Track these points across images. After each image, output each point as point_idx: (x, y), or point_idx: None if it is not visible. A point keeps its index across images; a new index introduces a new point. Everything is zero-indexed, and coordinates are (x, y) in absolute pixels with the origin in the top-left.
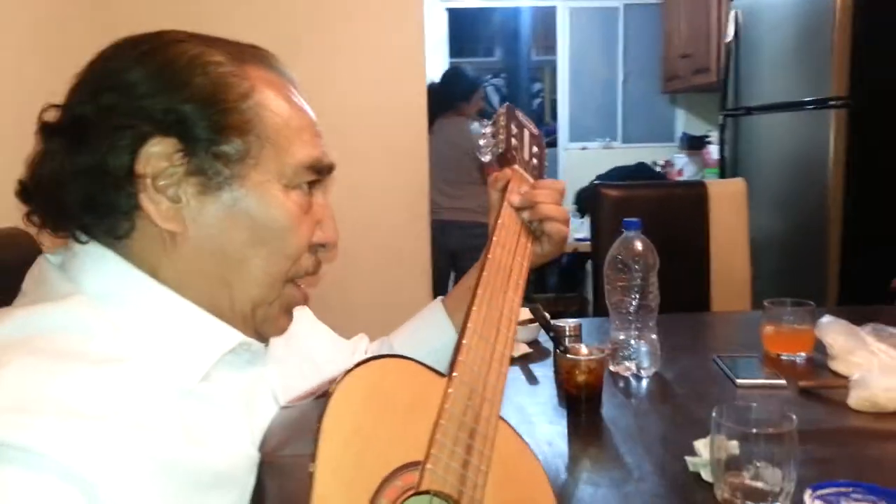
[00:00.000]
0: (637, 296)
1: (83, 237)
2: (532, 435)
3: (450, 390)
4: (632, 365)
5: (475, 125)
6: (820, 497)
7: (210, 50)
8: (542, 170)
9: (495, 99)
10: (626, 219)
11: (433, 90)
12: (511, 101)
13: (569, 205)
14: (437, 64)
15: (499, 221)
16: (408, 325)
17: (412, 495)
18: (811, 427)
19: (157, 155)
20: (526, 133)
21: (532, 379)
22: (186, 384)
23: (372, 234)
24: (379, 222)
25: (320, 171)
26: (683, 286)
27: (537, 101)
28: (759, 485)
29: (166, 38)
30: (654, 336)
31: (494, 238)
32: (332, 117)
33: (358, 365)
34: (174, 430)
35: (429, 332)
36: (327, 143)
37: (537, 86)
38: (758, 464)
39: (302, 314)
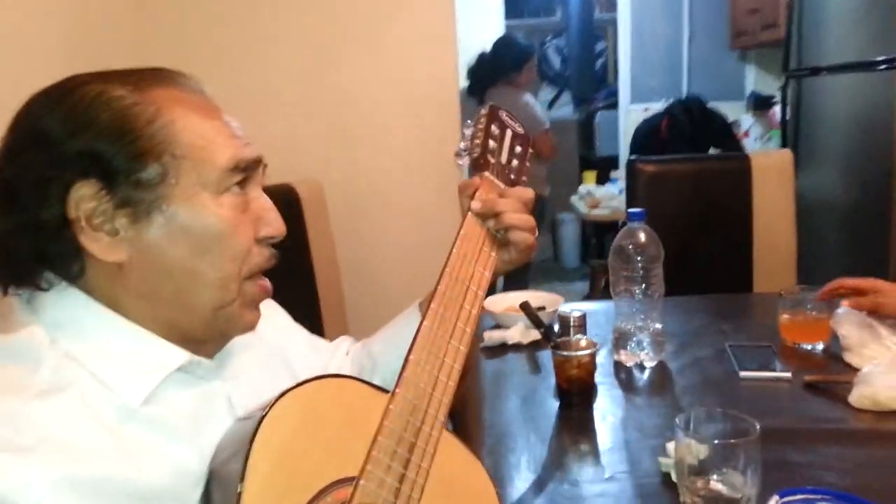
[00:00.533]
0: (641, 286)
1: (44, 285)
2: (522, 425)
3: (391, 406)
4: (635, 355)
5: (527, 96)
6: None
7: (111, 85)
8: (523, 172)
9: (556, 61)
10: (630, 209)
11: (483, 60)
12: (573, 62)
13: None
14: (493, 26)
15: (461, 232)
16: (386, 328)
17: None
18: (804, 425)
19: (84, 197)
20: (508, 134)
21: (535, 368)
22: (128, 407)
23: (400, 217)
24: (408, 204)
25: (245, 169)
26: (723, 264)
27: (600, 61)
28: (723, 490)
29: (70, 84)
30: (658, 325)
31: (454, 249)
32: (360, 95)
33: (290, 390)
34: (108, 453)
35: (404, 335)
36: (354, 121)
37: (600, 45)
38: (722, 470)
39: (277, 318)
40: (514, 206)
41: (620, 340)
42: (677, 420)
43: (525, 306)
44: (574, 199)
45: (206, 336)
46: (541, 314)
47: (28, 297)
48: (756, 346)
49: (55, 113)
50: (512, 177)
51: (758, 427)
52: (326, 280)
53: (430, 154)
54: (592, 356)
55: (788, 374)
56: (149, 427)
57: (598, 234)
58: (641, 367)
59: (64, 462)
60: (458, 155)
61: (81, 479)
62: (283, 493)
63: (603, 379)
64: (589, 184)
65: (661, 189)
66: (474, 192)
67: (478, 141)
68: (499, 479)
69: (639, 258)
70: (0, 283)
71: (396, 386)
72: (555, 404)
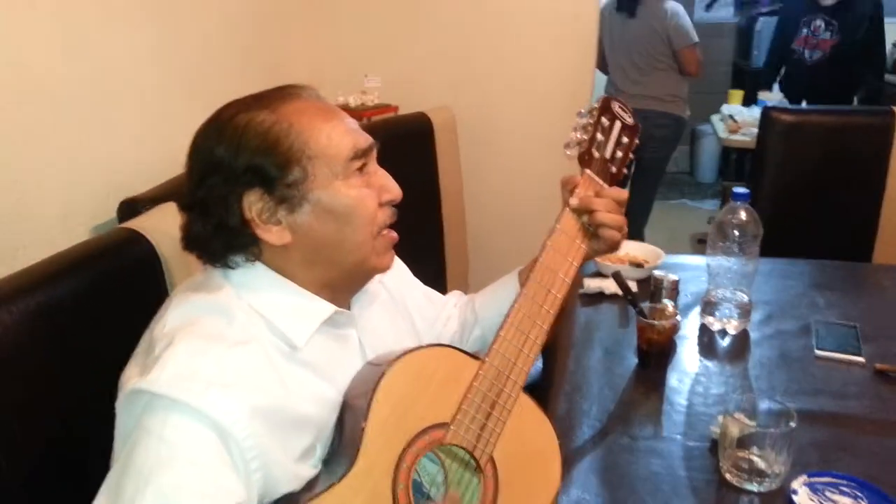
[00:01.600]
0: (736, 260)
1: (232, 265)
2: (599, 375)
3: (480, 372)
4: (720, 321)
5: (672, 4)
6: (808, 484)
7: (253, 112)
8: (624, 164)
9: None
10: (735, 189)
11: None
12: None
13: None
14: None
15: (557, 226)
16: (488, 289)
17: (437, 446)
18: (856, 411)
19: (253, 202)
20: (617, 126)
21: (625, 322)
22: (290, 350)
23: (528, 152)
24: (537, 140)
25: (363, 154)
26: (845, 229)
27: None
28: (759, 463)
29: (224, 117)
30: (746, 297)
31: (549, 242)
32: (499, 26)
33: (407, 353)
34: (277, 389)
35: (501, 299)
36: (490, 52)
37: None
38: (761, 447)
39: (401, 274)
40: (608, 205)
41: (709, 305)
42: (724, 406)
43: (616, 276)
44: (714, 118)
45: (350, 285)
46: (638, 271)
47: (223, 270)
48: (842, 325)
49: (221, 144)
50: (613, 170)
51: (795, 417)
52: (451, 202)
53: (564, 92)
54: (673, 326)
55: (862, 359)
56: (302, 367)
57: (740, 153)
58: (724, 333)
59: (252, 395)
60: (566, 146)
61: (262, 408)
62: (395, 429)
63: (685, 340)
64: (734, 104)
65: (794, 140)
66: (573, 189)
67: (585, 137)
68: (568, 424)
69: (737, 235)
70: (204, 261)
71: (486, 355)
72: (633, 361)
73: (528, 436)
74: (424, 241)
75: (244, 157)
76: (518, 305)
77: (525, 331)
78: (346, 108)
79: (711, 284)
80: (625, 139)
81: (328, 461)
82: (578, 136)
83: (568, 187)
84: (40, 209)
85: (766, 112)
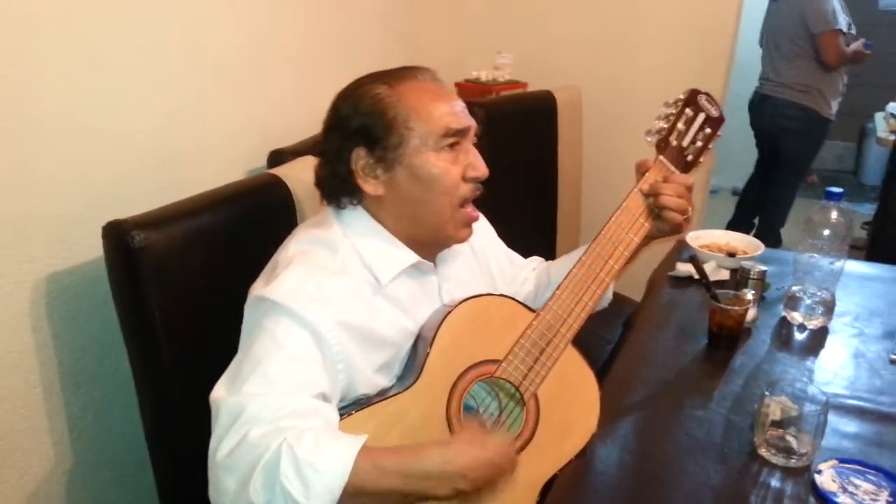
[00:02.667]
0: (823, 258)
1: (343, 204)
2: (668, 350)
3: (534, 322)
4: (800, 315)
5: None
6: (835, 468)
7: (377, 84)
8: (702, 152)
9: None
10: (829, 188)
11: None
12: None
13: None
14: None
15: (623, 203)
16: (565, 256)
17: (488, 377)
18: None
19: (359, 157)
20: (700, 117)
21: (706, 306)
22: (379, 285)
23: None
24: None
25: (456, 133)
26: None
27: None
28: (791, 443)
29: (356, 85)
30: (829, 294)
31: (613, 217)
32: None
33: (471, 298)
34: (363, 312)
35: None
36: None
37: None
38: (795, 428)
39: (487, 233)
40: (676, 190)
41: (792, 300)
42: (766, 383)
43: (693, 260)
44: (878, 115)
45: (432, 244)
46: (730, 260)
47: (335, 209)
48: None
49: (346, 104)
50: (689, 158)
51: (827, 402)
52: (569, 178)
53: (695, 74)
54: (742, 314)
55: None
56: (388, 299)
57: None
58: (803, 327)
59: (341, 312)
60: (647, 133)
61: (350, 324)
62: (454, 358)
63: (763, 329)
64: None
65: None
66: (645, 172)
67: (665, 125)
68: (624, 385)
69: (826, 235)
70: (323, 199)
71: (541, 310)
72: (704, 342)
73: (572, 383)
74: (539, 213)
75: (358, 119)
76: (576, 270)
77: (579, 293)
78: (476, 83)
79: (797, 280)
80: (707, 130)
81: (402, 377)
82: (660, 124)
83: (640, 171)
84: (209, 153)
85: None
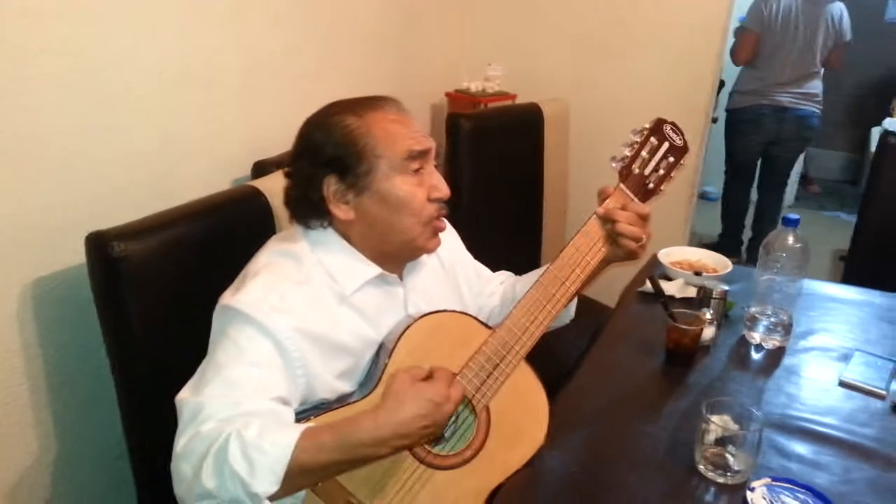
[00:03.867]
0: (781, 280)
1: (312, 225)
2: (622, 363)
3: (489, 339)
4: (758, 335)
5: (837, 6)
6: (768, 486)
7: (346, 115)
8: (664, 181)
9: None
10: (787, 215)
11: None
12: None
13: None
14: None
15: (583, 228)
16: (532, 273)
17: None
18: (848, 436)
19: (330, 184)
20: (665, 146)
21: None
22: (343, 295)
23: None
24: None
25: (418, 156)
26: None
27: None
28: (729, 461)
29: (326, 114)
30: (785, 317)
31: (572, 241)
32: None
33: (430, 313)
34: (325, 320)
35: None
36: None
37: None
38: (734, 446)
39: (454, 245)
40: (630, 218)
41: (751, 319)
42: (705, 404)
43: (652, 279)
44: (874, 130)
45: (399, 258)
46: (695, 278)
47: (303, 227)
48: (883, 358)
49: (318, 133)
50: (650, 186)
51: (761, 420)
52: (554, 190)
53: (682, 100)
54: (697, 333)
55: (883, 392)
56: (351, 309)
57: None
58: (760, 347)
59: (302, 321)
60: (612, 159)
61: (310, 332)
62: None
63: (720, 348)
64: None
65: None
66: (605, 199)
67: (629, 153)
68: (577, 397)
69: (783, 257)
70: (292, 219)
71: (497, 327)
72: (663, 358)
73: (523, 396)
74: (523, 224)
75: (330, 148)
76: (532, 291)
77: (534, 313)
78: (466, 93)
79: (758, 301)
80: (670, 158)
81: (363, 384)
82: (624, 151)
83: (601, 196)
84: (195, 163)
85: (884, 139)
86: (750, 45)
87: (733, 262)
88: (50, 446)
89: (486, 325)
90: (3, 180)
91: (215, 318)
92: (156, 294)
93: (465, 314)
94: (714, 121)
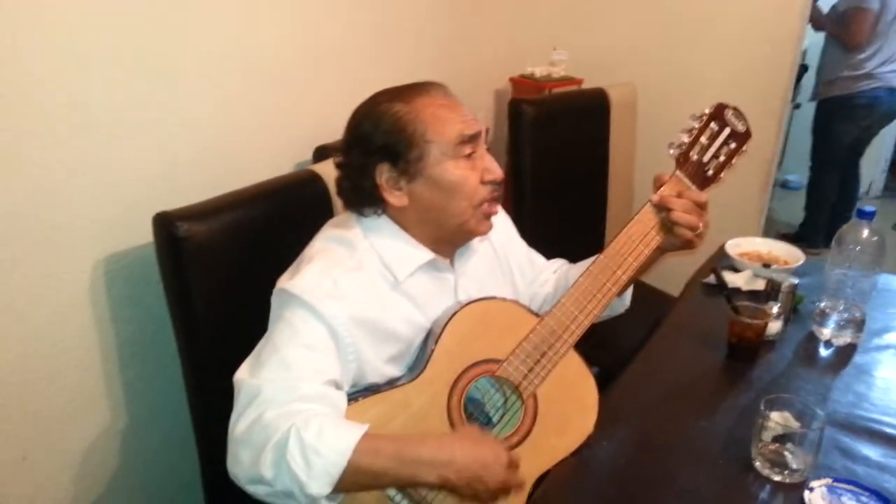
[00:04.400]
0: (854, 275)
1: (366, 213)
2: (686, 354)
3: (537, 327)
4: (827, 331)
5: None
6: (829, 487)
7: (394, 103)
8: (724, 168)
9: None
10: (861, 207)
11: None
12: None
13: None
14: None
15: (636, 216)
16: (586, 261)
17: (488, 375)
18: None
19: (383, 172)
20: (725, 132)
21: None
22: (395, 282)
23: None
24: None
25: (470, 140)
26: None
27: None
28: (787, 458)
29: (374, 102)
30: (857, 314)
31: (625, 229)
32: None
33: (479, 300)
34: (377, 307)
35: None
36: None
37: None
38: (794, 443)
39: (508, 231)
40: (686, 206)
41: (821, 315)
42: (764, 400)
43: (715, 270)
44: None
45: (452, 242)
46: (765, 270)
47: (356, 214)
48: None
49: (367, 122)
50: (709, 173)
51: (822, 419)
52: (619, 178)
53: (755, 89)
54: (761, 327)
55: None
56: (403, 295)
57: None
58: (829, 344)
59: (354, 307)
60: (669, 146)
61: (361, 318)
62: (457, 355)
63: (787, 342)
64: None
65: None
66: (660, 186)
67: (687, 139)
68: (633, 386)
69: (857, 251)
70: (346, 207)
71: (545, 316)
72: (725, 352)
73: (571, 385)
74: (587, 212)
75: (380, 136)
76: (582, 280)
77: (583, 302)
78: (530, 79)
79: (829, 296)
80: (732, 144)
81: (412, 368)
82: (683, 137)
83: (657, 184)
84: (259, 147)
85: None
86: (869, 24)
87: (813, 255)
88: (120, 415)
89: (534, 313)
90: (77, 158)
91: (273, 300)
92: (217, 274)
93: (513, 301)
94: (797, 107)
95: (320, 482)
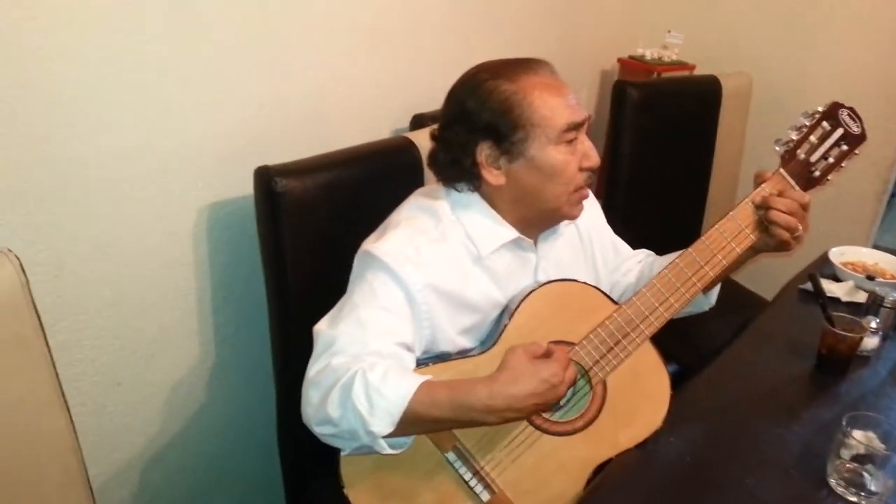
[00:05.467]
0: None
1: (459, 188)
2: (771, 361)
3: (614, 315)
4: None
5: None
6: None
7: (499, 80)
8: (832, 170)
9: None
10: None
11: None
12: None
13: None
14: None
15: (731, 213)
16: (672, 255)
17: None
18: None
19: (483, 150)
20: (838, 132)
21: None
22: (478, 256)
23: None
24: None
25: (575, 128)
26: None
27: None
28: (864, 479)
29: (477, 80)
30: None
31: (717, 225)
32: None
33: (557, 280)
34: (457, 278)
35: None
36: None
37: None
38: (875, 465)
39: (596, 217)
40: (789, 206)
41: None
42: (847, 416)
43: (812, 277)
44: None
45: (541, 224)
46: (867, 283)
47: (447, 188)
48: None
49: (472, 100)
50: (816, 174)
51: None
52: (724, 172)
53: (876, 87)
54: (855, 340)
55: None
56: (484, 270)
57: None
58: None
59: (433, 276)
60: (776, 142)
61: (439, 288)
62: (531, 332)
63: (884, 361)
64: None
65: None
66: (761, 183)
67: (795, 137)
68: (713, 386)
69: None
70: (440, 180)
71: (624, 304)
72: (813, 363)
73: (644, 378)
74: (684, 206)
75: (486, 115)
76: (667, 271)
77: (665, 294)
78: (640, 60)
79: None
80: (843, 147)
81: (484, 342)
82: (791, 135)
83: (758, 181)
84: (357, 112)
85: None
86: None
87: None
88: (208, 354)
89: (613, 300)
90: (186, 108)
91: (357, 260)
92: (309, 229)
93: (593, 286)
94: None
95: (382, 421)
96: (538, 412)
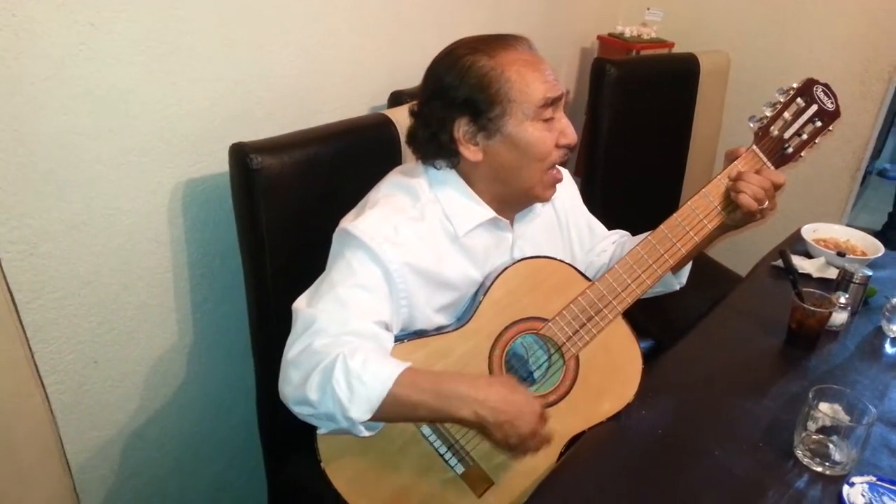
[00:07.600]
0: None
1: (437, 166)
2: (742, 335)
3: (587, 291)
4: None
5: None
6: (869, 484)
7: (478, 55)
8: (805, 146)
9: None
10: None
11: None
12: None
13: None
14: None
15: (703, 189)
16: (641, 236)
17: (532, 333)
18: None
19: (461, 125)
20: (812, 109)
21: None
22: (454, 235)
23: None
24: None
25: (552, 103)
26: None
27: None
28: (830, 450)
29: (456, 55)
30: None
31: (689, 201)
32: None
33: (531, 257)
34: (433, 258)
35: None
36: None
37: None
38: (840, 437)
39: (572, 196)
40: (759, 181)
41: (891, 310)
42: (814, 389)
43: (783, 253)
44: None
45: (516, 203)
46: (839, 259)
47: (425, 165)
48: None
49: (450, 75)
50: (789, 150)
51: (873, 415)
52: (701, 149)
53: (853, 69)
54: (823, 316)
55: None
56: (460, 249)
57: None
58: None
59: (411, 255)
60: (750, 119)
61: (417, 267)
62: (504, 309)
63: (851, 335)
64: None
65: None
66: (733, 160)
67: (769, 113)
68: (685, 361)
69: None
70: (418, 158)
71: (596, 280)
72: (783, 338)
73: (616, 353)
74: (661, 184)
75: (463, 90)
76: (639, 248)
77: (637, 270)
78: (619, 38)
79: None
80: (817, 123)
81: (460, 319)
82: (765, 111)
83: (730, 158)
84: (335, 89)
85: None
86: None
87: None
88: (186, 331)
89: (585, 276)
90: (157, 88)
91: (335, 238)
92: (286, 207)
93: (567, 263)
94: None
95: (361, 408)
96: (503, 430)
